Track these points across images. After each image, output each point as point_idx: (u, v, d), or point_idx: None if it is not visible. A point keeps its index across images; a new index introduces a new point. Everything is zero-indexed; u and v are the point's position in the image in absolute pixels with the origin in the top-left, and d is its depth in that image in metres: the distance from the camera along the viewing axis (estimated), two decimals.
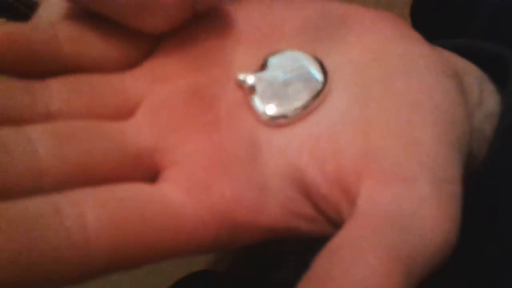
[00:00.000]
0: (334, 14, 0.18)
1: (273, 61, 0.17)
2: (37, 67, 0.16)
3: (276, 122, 0.16)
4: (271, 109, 0.16)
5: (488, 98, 0.18)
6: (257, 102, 0.16)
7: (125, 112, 0.16)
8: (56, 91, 0.15)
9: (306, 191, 0.15)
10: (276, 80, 0.17)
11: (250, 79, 0.17)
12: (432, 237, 0.13)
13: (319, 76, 0.16)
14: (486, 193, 0.18)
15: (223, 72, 0.17)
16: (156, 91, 0.16)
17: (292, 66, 0.17)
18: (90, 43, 0.16)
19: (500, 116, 0.18)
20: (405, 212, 0.13)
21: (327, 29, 0.17)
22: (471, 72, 0.18)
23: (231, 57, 0.17)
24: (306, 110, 0.16)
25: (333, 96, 0.16)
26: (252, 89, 0.17)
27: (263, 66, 0.17)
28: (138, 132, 0.15)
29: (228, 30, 0.18)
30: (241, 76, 0.17)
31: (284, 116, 0.16)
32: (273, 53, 0.17)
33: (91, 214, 0.13)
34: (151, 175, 0.15)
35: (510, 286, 0.20)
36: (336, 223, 0.15)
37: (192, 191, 0.14)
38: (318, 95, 0.16)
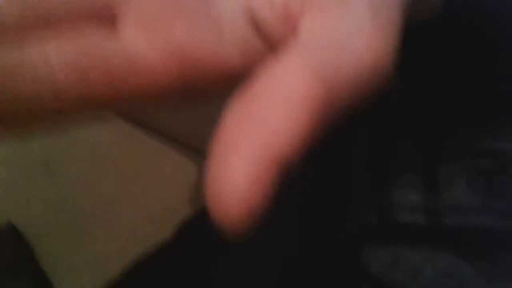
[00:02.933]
0: None
1: None
2: None
3: None
4: None
5: None
6: None
7: None
8: None
9: (259, 29, 0.16)
10: None
11: None
12: (361, 61, 0.14)
13: None
14: (449, 28, 0.20)
15: None
16: None
17: None
18: None
19: None
20: (336, 37, 0.14)
21: None
22: None
23: None
24: None
25: None
26: None
27: None
28: None
29: None
30: None
31: None
32: None
33: (55, 58, 0.13)
34: (108, 22, 0.16)
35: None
36: None
37: (151, 32, 0.15)
38: None
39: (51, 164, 0.71)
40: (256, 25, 0.16)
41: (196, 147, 0.63)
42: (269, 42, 0.16)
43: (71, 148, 0.67)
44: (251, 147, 0.11)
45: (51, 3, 0.15)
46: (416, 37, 0.19)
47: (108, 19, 0.16)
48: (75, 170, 0.70)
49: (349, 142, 0.24)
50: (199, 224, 0.45)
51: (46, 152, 0.67)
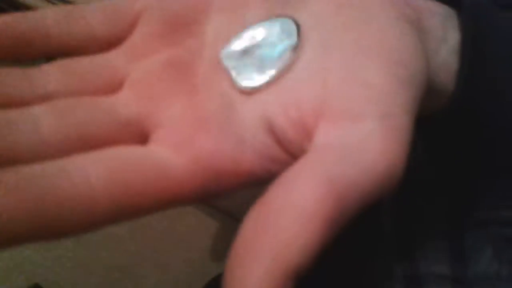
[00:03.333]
0: None
1: (248, 33, 0.19)
2: (29, 51, 0.18)
3: (252, 91, 0.18)
4: (247, 82, 0.18)
5: (452, 33, 0.20)
6: (234, 76, 0.18)
7: (113, 87, 0.18)
8: (51, 74, 0.17)
9: (277, 138, 0.17)
10: (251, 50, 0.18)
11: (226, 58, 0.18)
12: (374, 168, 0.14)
13: (292, 41, 0.18)
14: (463, 121, 0.20)
15: (197, 43, 0.19)
16: (138, 66, 0.18)
17: (267, 34, 0.18)
18: (76, 26, 0.18)
19: (460, 48, 0.19)
20: (349, 146, 0.15)
21: None
22: (435, 11, 0.20)
23: (203, 28, 0.19)
24: (279, 75, 0.18)
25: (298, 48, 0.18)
26: (229, 65, 0.18)
27: (240, 40, 0.19)
28: (126, 103, 0.17)
29: (200, 2, 0.20)
30: (223, 57, 0.18)
31: (259, 87, 0.18)
32: (250, 24, 0.19)
33: (93, 170, 0.14)
34: (142, 139, 0.17)
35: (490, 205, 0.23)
36: None
37: (178, 147, 0.16)
38: (291, 60, 0.18)
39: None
40: (273, 133, 0.17)
41: (220, 206, 0.64)
42: (286, 147, 0.17)
43: None
44: (265, 260, 0.12)
45: (89, 122, 0.16)
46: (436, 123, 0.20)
47: (139, 134, 0.17)
48: (102, 229, 0.70)
49: (372, 213, 0.25)
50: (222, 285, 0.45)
51: None
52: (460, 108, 0.19)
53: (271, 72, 0.17)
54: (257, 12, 0.19)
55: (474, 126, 0.20)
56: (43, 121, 0.16)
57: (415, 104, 0.16)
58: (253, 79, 0.18)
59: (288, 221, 0.12)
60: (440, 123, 0.20)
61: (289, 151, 0.17)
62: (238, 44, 0.18)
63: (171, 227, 0.66)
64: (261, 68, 0.18)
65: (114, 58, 0.19)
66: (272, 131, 0.17)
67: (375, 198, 0.14)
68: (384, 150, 0.14)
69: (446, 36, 0.19)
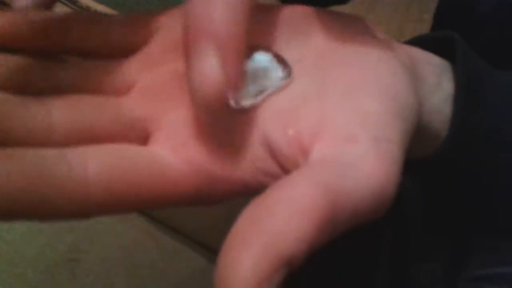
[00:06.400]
0: (301, 14, 0.20)
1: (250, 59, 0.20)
2: (48, 44, 0.20)
3: (245, 110, 0.18)
4: (242, 102, 0.18)
5: (446, 83, 0.21)
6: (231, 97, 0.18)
7: (122, 90, 0.20)
8: (68, 69, 0.19)
9: (272, 152, 0.17)
10: (250, 73, 0.19)
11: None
12: (366, 184, 0.15)
13: (280, 70, 0.19)
14: (451, 168, 0.21)
15: None
16: (148, 75, 0.20)
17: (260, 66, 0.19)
18: (94, 30, 0.20)
19: (454, 97, 0.20)
20: (343, 163, 0.15)
21: (294, 26, 0.20)
22: (430, 61, 0.21)
23: None
24: (269, 96, 0.19)
25: (296, 77, 0.19)
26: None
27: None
28: (131, 105, 0.19)
29: None
30: None
31: (252, 105, 0.18)
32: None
33: (91, 160, 0.15)
34: (142, 140, 0.19)
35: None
36: None
37: (175, 149, 0.17)
38: (282, 83, 0.19)
39: (75, 266, 0.72)
40: (269, 147, 0.18)
41: (215, 247, 0.64)
42: (280, 161, 0.17)
43: (94, 250, 0.69)
44: (258, 244, 0.12)
45: (96, 118, 0.18)
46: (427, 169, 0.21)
47: (140, 134, 0.19)
48: (97, 271, 0.70)
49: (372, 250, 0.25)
50: None
51: (71, 253, 0.68)
52: (452, 152, 0.20)
53: (265, 94, 0.18)
54: (262, 42, 0.20)
55: (465, 172, 0.21)
56: (54, 110, 0.17)
57: (406, 137, 0.17)
58: (248, 100, 0.18)
59: (283, 212, 0.13)
60: (433, 166, 0.21)
61: (282, 166, 0.17)
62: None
63: (165, 269, 0.65)
64: (256, 90, 0.18)
65: (127, 64, 0.20)
66: (267, 145, 0.17)
67: (367, 214, 0.15)
68: (377, 169, 0.15)
69: (440, 84, 0.21)
